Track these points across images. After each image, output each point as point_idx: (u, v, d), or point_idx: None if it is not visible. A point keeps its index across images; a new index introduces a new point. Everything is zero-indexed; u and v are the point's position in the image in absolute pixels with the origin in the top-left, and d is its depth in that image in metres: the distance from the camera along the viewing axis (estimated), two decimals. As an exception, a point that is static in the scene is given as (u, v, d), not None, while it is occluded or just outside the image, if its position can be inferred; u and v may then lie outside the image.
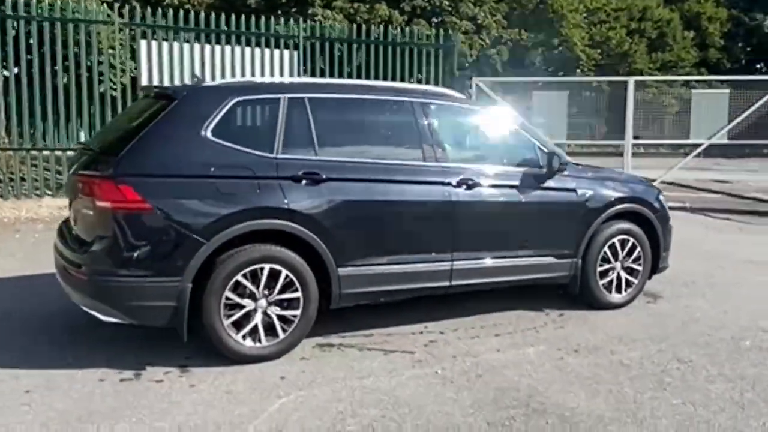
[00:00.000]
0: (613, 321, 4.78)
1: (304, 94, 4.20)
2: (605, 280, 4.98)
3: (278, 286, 3.87)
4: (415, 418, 3.23)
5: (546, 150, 4.80)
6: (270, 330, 3.88)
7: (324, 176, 3.99)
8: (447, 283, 4.46)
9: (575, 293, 4.99)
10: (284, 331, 3.91)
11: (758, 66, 36.83)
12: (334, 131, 4.27)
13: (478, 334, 4.48)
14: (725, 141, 11.61)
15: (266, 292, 3.85)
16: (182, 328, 3.70)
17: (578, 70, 29.54)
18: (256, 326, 3.83)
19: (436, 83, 11.69)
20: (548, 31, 29.86)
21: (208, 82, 5.19)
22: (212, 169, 3.78)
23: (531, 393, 3.53)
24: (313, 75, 10.55)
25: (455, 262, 4.44)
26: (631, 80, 11.31)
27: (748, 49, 37.43)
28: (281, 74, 10.14)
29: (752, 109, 10.98)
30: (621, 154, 11.39)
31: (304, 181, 3.95)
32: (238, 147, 3.90)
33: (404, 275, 4.30)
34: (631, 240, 5.05)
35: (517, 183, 4.64)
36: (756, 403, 3.46)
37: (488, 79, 12.39)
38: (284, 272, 3.86)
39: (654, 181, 11.45)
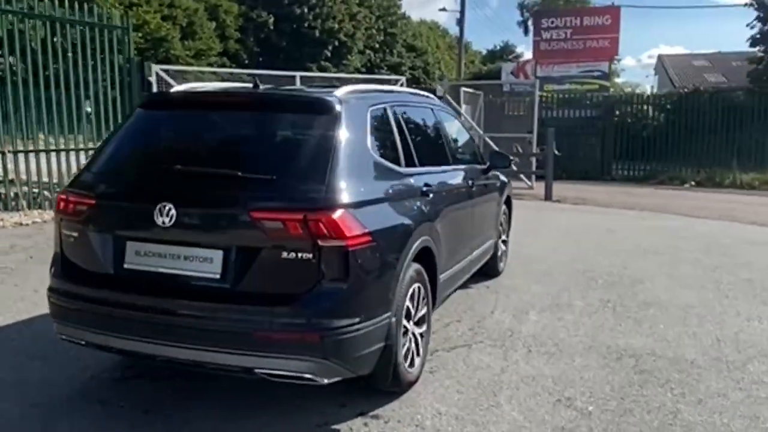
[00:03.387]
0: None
1: (388, 102, 4.05)
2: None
3: (419, 304, 3.79)
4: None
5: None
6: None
7: (431, 187, 4.02)
8: (469, 276, 4.96)
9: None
10: (419, 350, 3.84)
11: (261, 59, 41.66)
12: (415, 139, 4.22)
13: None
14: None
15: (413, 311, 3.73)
16: (389, 371, 3.36)
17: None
18: (408, 349, 3.68)
19: (112, 72, 10.47)
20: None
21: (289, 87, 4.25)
22: (390, 190, 3.47)
23: None
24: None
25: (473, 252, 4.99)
26: (298, 75, 12.29)
27: (259, 42, 41.88)
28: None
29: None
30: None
31: (428, 195, 3.92)
32: (386, 163, 3.63)
33: (459, 272, 4.63)
34: None
35: (484, 179, 5.38)
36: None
37: (170, 67, 11.61)
38: (421, 289, 3.80)
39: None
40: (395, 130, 3.90)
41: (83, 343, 3.44)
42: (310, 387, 3.36)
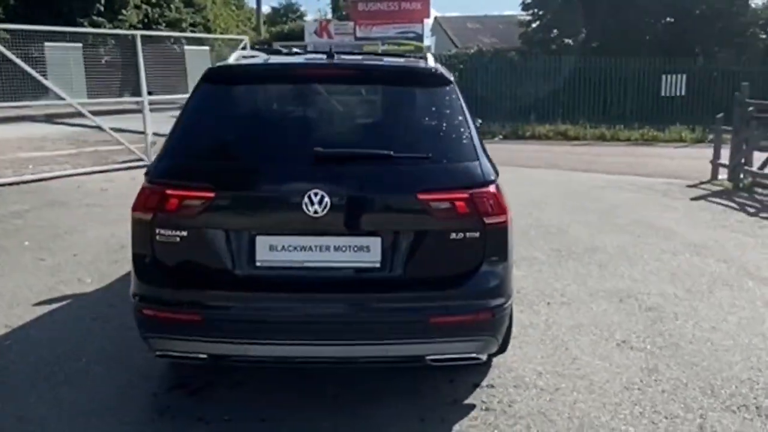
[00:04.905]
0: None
1: None
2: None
3: None
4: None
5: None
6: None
7: None
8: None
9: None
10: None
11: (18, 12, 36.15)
12: None
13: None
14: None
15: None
16: (508, 338, 3.48)
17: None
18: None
19: None
20: None
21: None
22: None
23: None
24: None
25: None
26: (138, 34, 11.10)
27: None
28: None
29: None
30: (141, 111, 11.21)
31: None
32: None
33: None
34: None
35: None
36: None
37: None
38: None
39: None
40: None
41: (200, 357, 2.98)
42: (406, 371, 3.41)
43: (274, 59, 3.61)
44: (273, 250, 2.89)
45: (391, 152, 2.89)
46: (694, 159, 12.92)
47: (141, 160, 11.19)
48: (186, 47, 12.91)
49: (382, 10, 21.50)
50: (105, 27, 31.10)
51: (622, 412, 3.28)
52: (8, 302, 4.73)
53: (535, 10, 27.20)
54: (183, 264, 2.95)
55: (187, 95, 11.74)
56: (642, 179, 10.70)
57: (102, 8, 32.71)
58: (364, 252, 2.88)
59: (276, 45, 13.31)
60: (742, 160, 10.27)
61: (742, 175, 10.16)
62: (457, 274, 2.93)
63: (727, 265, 5.80)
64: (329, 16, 38.69)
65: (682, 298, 4.91)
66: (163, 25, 37.04)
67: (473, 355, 3.04)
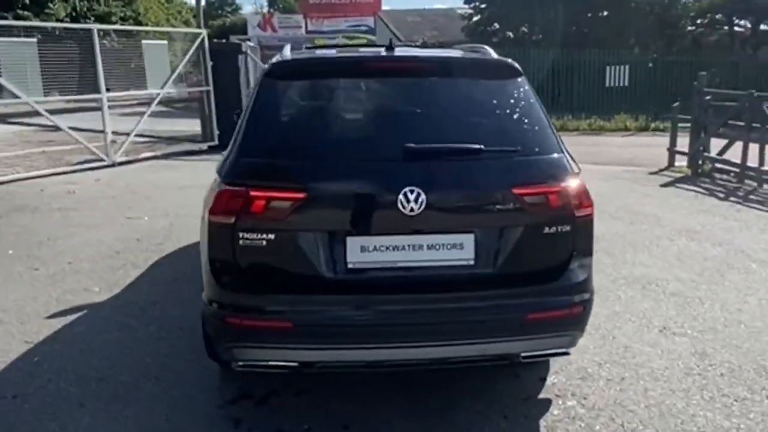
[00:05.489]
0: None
1: None
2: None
3: None
4: None
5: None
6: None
7: None
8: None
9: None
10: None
11: None
12: None
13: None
14: (173, 90, 12.48)
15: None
16: None
17: None
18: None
19: None
20: None
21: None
22: None
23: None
24: None
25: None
26: (95, 28, 10.57)
27: None
28: None
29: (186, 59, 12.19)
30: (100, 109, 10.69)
31: None
32: None
33: None
34: None
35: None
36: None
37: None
38: None
39: (129, 134, 11.39)
40: None
41: (290, 366, 2.84)
42: (469, 369, 3.37)
43: (333, 54, 3.47)
44: (364, 251, 2.78)
45: (482, 146, 2.82)
46: (644, 147, 13.40)
47: (101, 160, 10.70)
48: (144, 41, 12.39)
49: (333, 3, 21.27)
50: (32, 20, 29.55)
51: (693, 398, 3.34)
52: (18, 316, 4.41)
53: (477, 3, 27.55)
54: (270, 268, 2.80)
55: (148, 91, 11.31)
56: (604, 168, 10.97)
57: (27, 1, 31.05)
58: (457, 249, 2.81)
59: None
60: (701, 147, 10.70)
61: (701, 162, 10.59)
62: (550, 268, 2.90)
63: (724, 248, 6.02)
64: (265, 9, 38.08)
65: (699, 283, 5.06)
66: (92, 19, 35.47)
67: (563, 350, 3.03)
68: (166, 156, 11.89)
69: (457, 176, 2.81)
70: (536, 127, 3.01)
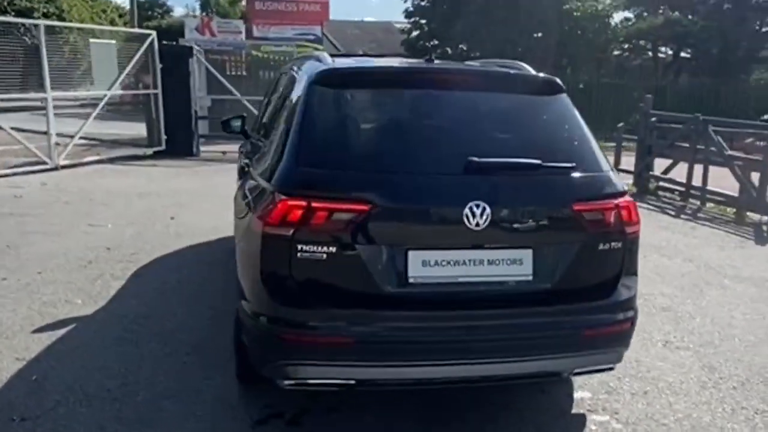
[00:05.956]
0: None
1: None
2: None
3: None
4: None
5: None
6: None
7: None
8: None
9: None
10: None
11: None
12: None
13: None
14: (120, 92, 11.94)
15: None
16: None
17: None
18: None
19: None
20: None
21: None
22: None
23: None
24: None
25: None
26: (42, 24, 10.01)
27: None
28: None
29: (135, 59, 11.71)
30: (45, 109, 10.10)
31: None
32: None
33: None
34: None
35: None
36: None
37: None
38: None
39: (73, 136, 10.82)
40: None
41: (347, 383, 2.73)
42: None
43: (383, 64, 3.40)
44: (426, 266, 2.72)
45: (541, 161, 2.83)
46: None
47: (44, 163, 10.11)
48: (92, 40, 11.79)
49: (280, 11, 20.97)
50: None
51: (716, 411, 3.44)
52: (0, 331, 4.07)
53: (417, 19, 27.91)
54: (329, 282, 2.69)
55: (96, 92, 10.75)
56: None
57: (-59, -8, 29.08)
58: (517, 265, 2.79)
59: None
60: (646, 167, 11.19)
61: (647, 180, 11.06)
62: (603, 285, 2.92)
63: (694, 264, 6.29)
64: (197, 12, 37.17)
65: (684, 298, 5.25)
66: (12, 13, 33.54)
67: (610, 365, 3.06)
68: (111, 160, 11.39)
69: (519, 191, 2.80)
70: (584, 144, 3.04)
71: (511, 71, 3.39)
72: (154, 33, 11.90)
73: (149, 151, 12.42)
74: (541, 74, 3.34)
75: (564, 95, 3.21)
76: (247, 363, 3.07)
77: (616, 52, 29.96)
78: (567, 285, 2.85)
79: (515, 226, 2.79)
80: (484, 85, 3.21)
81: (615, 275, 2.94)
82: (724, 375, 3.87)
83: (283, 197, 2.65)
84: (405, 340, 2.71)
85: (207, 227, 6.82)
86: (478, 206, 2.66)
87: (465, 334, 2.75)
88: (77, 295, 4.74)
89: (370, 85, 3.08)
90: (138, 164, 11.26)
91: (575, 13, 25.67)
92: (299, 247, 2.63)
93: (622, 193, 2.96)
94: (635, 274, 3.03)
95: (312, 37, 20.52)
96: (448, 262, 2.73)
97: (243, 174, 4.13)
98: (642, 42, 29.43)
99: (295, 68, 3.80)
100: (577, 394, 3.54)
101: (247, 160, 4.10)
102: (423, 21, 27.57)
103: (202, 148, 12.97)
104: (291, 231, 2.62)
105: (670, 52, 29.33)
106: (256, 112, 14.25)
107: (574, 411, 3.39)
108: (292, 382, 2.77)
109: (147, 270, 5.42)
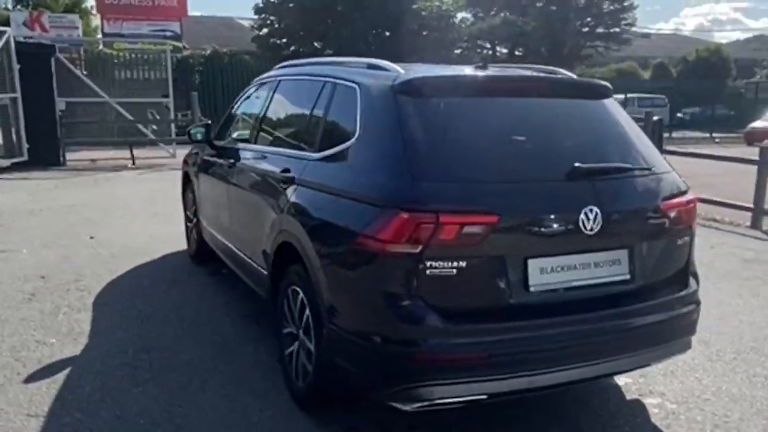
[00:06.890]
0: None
1: None
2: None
3: None
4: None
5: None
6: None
7: None
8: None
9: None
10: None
11: None
12: None
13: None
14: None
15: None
16: None
17: None
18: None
19: None
20: None
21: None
22: None
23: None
24: None
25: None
26: None
27: None
28: None
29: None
30: None
31: None
32: None
33: None
34: None
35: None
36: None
37: None
38: None
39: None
40: None
41: (479, 399, 2.66)
42: None
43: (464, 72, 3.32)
44: (543, 273, 2.74)
45: (629, 164, 2.97)
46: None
47: None
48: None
49: (134, 5, 19.47)
50: None
51: (735, 381, 3.79)
52: (-16, 385, 3.45)
53: (265, 15, 27.38)
54: (458, 298, 2.61)
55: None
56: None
57: None
58: (616, 266, 2.90)
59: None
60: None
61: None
62: (680, 277, 3.13)
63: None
64: (9, 5, 33.56)
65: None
66: None
67: (681, 353, 3.27)
68: (-34, 174, 10.00)
69: (620, 194, 2.92)
70: (649, 146, 3.23)
71: (579, 78, 3.51)
72: (9, 29, 10.59)
73: (6, 162, 11.09)
74: (599, 81, 3.50)
75: (614, 98, 3.38)
76: (324, 389, 3.00)
77: (457, 51, 31.58)
78: (656, 280, 3.02)
79: (617, 227, 2.89)
80: (565, 92, 3.30)
81: (687, 267, 3.16)
82: (727, 357, 4.23)
83: (406, 214, 2.54)
84: (531, 348, 2.71)
85: (139, 245, 6.26)
86: (591, 211, 2.73)
87: (582, 336, 2.80)
88: (46, 335, 4.14)
89: (461, 93, 3.02)
90: (2, 178, 9.99)
91: (422, 13, 26.63)
92: (429, 263, 2.53)
93: (687, 192, 3.19)
94: (694, 264, 3.28)
95: (170, 34, 19.38)
96: (562, 268, 2.78)
97: (255, 184, 3.91)
98: (479, 41, 31.31)
99: (322, 76, 3.63)
100: (620, 382, 3.73)
101: (252, 172, 3.95)
102: (272, 18, 27.09)
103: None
104: (419, 248, 2.52)
105: (505, 51, 31.49)
106: (130, 117, 13.32)
107: (629, 397, 3.56)
108: (418, 404, 2.65)
109: (109, 298, 4.86)
